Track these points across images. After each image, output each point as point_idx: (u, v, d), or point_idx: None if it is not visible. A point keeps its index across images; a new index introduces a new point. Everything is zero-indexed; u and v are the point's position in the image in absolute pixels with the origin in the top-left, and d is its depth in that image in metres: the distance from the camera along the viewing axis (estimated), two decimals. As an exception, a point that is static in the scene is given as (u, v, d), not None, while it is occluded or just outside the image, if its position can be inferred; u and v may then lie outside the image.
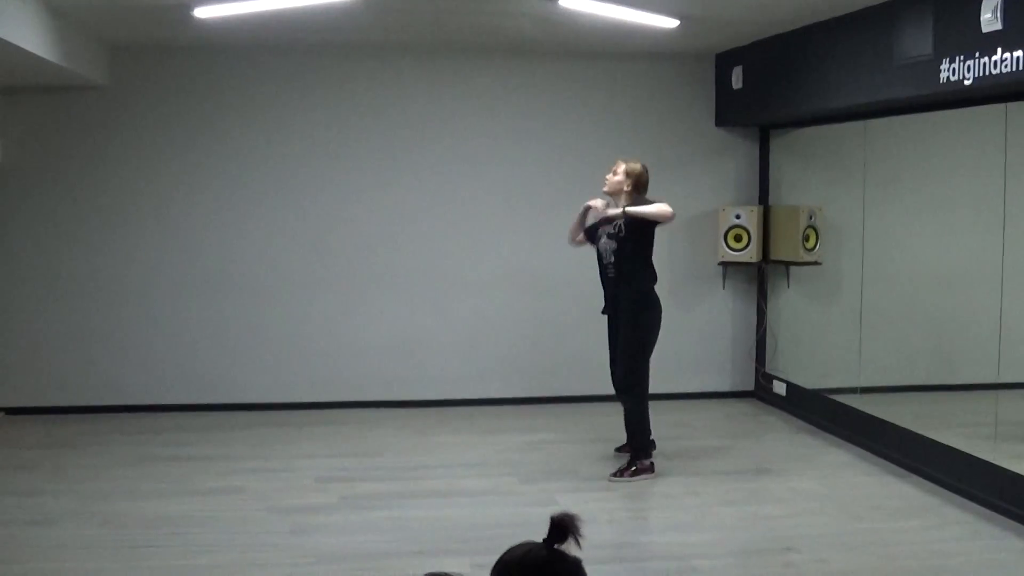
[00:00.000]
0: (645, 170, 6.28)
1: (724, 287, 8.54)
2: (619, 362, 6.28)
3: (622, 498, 5.93)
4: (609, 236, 6.24)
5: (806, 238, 7.93)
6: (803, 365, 8.16)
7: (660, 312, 6.26)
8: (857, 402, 7.18)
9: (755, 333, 8.59)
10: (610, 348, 6.41)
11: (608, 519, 5.56)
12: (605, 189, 6.31)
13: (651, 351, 6.28)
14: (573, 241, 6.54)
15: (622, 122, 8.31)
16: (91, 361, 7.94)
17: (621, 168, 6.27)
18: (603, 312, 6.39)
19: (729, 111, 8.26)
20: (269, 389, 8.10)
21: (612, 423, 7.59)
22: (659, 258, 8.14)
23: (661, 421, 7.43)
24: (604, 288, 6.35)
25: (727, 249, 8.28)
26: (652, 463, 6.31)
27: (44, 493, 5.91)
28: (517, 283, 8.29)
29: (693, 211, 8.41)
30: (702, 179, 8.45)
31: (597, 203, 6.28)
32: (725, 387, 8.62)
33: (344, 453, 6.85)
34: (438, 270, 8.22)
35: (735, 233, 8.24)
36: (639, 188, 6.25)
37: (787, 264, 8.18)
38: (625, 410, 6.35)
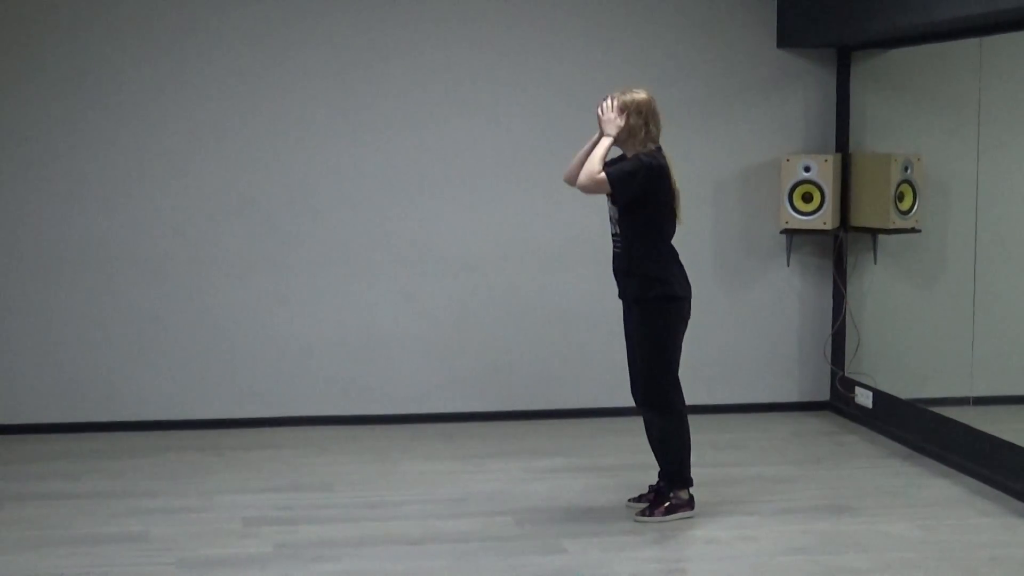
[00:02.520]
0: (652, 99, 6.17)
1: (789, 263, 8.53)
2: (638, 372, 6.28)
3: (652, 545, 5.90)
4: (611, 197, 6.21)
5: (900, 197, 7.91)
6: (895, 367, 8.15)
7: (683, 304, 6.19)
8: (969, 416, 7.17)
9: (831, 325, 8.59)
10: (627, 347, 6.38)
11: (632, 572, 5.52)
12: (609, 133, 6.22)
13: (677, 354, 6.26)
14: (579, 179, 6.22)
15: (652, 46, 8.30)
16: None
17: (616, 94, 6.16)
18: (619, 296, 6.37)
19: (796, 27, 8.23)
20: (180, 402, 8.07)
21: (638, 444, 7.54)
22: (702, 225, 8.29)
23: (704, 441, 7.41)
24: (613, 264, 6.35)
25: (793, 212, 8.27)
26: (692, 498, 6.29)
27: None
28: (512, 262, 8.29)
29: (747, 162, 8.41)
30: (759, 119, 8.45)
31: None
32: (791, 397, 8.63)
33: (281, 487, 6.81)
34: (407, 245, 8.19)
35: (803, 191, 8.23)
36: (649, 125, 6.12)
37: (874, 232, 8.18)
38: (653, 431, 6.34)
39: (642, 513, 6.20)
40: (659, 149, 6.13)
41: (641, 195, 6.04)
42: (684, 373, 8.30)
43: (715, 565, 5.65)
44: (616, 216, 6.17)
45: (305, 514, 6.31)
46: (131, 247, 7.95)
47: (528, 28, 8.23)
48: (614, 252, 6.28)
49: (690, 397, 8.23)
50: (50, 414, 7.95)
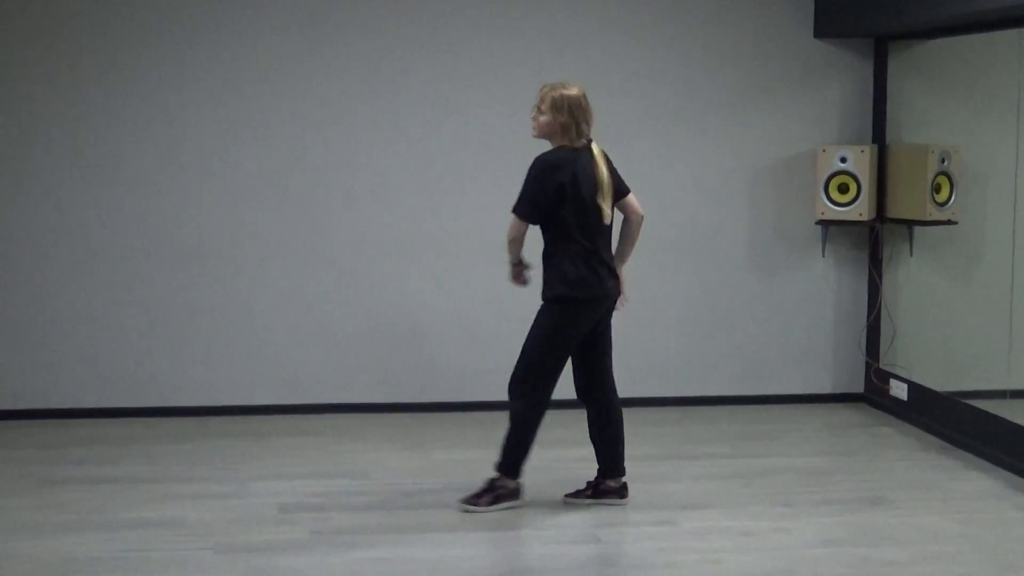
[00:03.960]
0: (583, 95, 6.14)
1: (824, 254, 8.50)
2: (519, 357, 6.30)
3: (687, 536, 5.89)
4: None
5: (936, 189, 7.89)
6: (931, 359, 8.13)
7: (577, 307, 6.13)
8: (1005, 410, 7.13)
9: (866, 316, 8.56)
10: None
11: (667, 563, 5.51)
12: (535, 135, 6.23)
13: (560, 356, 6.25)
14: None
15: (688, 37, 8.29)
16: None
17: (540, 93, 6.14)
18: None
19: (833, 16, 8.20)
20: (217, 388, 8.10)
21: (676, 432, 7.56)
22: (737, 215, 8.27)
23: (738, 432, 7.41)
24: None
25: (828, 203, 8.24)
26: (519, 487, 6.28)
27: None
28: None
29: (783, 152, 8.40)
30: (794, 109, 8.43)
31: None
32: (825, 388, 8.61)
33: (318, 473, 6.83)
34: (444, 232, 8.20)
35: (839, 182, 8.21)
36: (580, 122, 6.10)
37: (910, 224, 8.15)
38: (511, 414, 6.33)
39: (466, 500, 6.22)
40: (588, 143, 6.16)
41: (545, 201, 6.04)
42: (719, 363, 8.36)
43: (750, 557, 5.63)
44: None
45: (341, 501, 6.33)
46: (169, 234, 7.97)
47: (563, 18, 8.20)
48: None
49: (724, 388, 8.29)
50: (89, 399, 7.98)
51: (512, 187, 7.72)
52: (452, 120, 8.15)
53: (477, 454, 7.22)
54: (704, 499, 6.40)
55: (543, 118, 6.10)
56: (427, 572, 5.35)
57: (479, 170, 8.19)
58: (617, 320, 8.25)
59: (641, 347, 8.17)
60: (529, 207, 6.08)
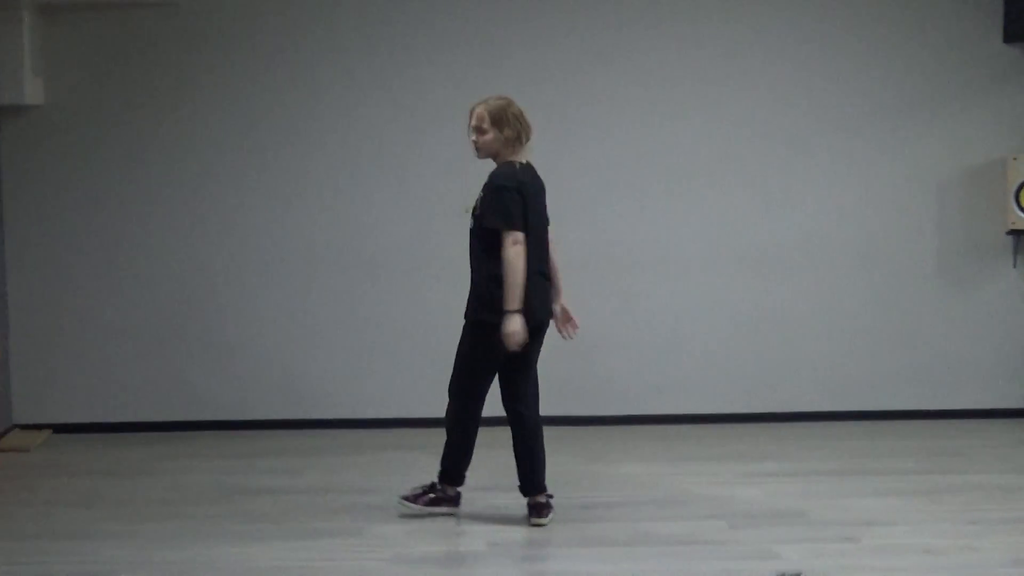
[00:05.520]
0: (511, 103, 6.03)
1: (1015, 265, 8.32)
2: (453, 374, 6.28)
3: (868, 552, 5.78)
4: (473, 211, 6.13)
5: None
6: None
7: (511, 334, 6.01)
8: None
9: (1060, 328, 8.38)
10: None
11: (849, 581, 5.43)
12: (480, 156, 6.12)
13: (486, 376, 6.23)
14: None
15: (874, 44, 8.22)
16: (160, 366, 8.18)
17: (477, 111, 6.01)
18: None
19: (1024, 20, 8.01)
20: (395, 400, 8.23)
21: (860, 447, 7.45)
22: (923, 225, 8.12)
23: (925, 447, 7.29)
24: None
25: (1020, 213, 8.15)
26: (459, 495, 6.32)
27: (100, 536, 6.04)
28: (724, 264, 8.29)
29: (971, 161, 8.27)
30: (983, 116, 8.31)
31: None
32: (1016, 403, 8.44)
33: (494, 485, 6.86)
34: (624, 247, 8.25)
35: (1032, 191, 8.13)
36: (521, 135, 6.02)
37: (1106, 233, 8.00)
38: (447, 415, 6.34)
39: (405, 496, 6.25)
40: (526, 162, 6.12)
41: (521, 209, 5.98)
42: (904, 377, 8.19)
43: (933, 575, 5.51)
44: (472, 227, 6.12)
45: (518, 513, 6.34)
46: (351, 249, 8.12)
47: (746, 29, 8.17)
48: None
49: (910, 402, 8.14)
50: (273, 410, 8.17)
51: (695, 204, 7.67)
52: (634, 134, 8.18)
53: (655, 467, 7.23)
54: (888, 515, 6.28)
55: (486, 136, 5.99)
56: (602, 586, 5.35)
57: (661, 185, 8.23)
58: (801, 333, 8.23)
59: (827, 360, 8.08)
60: (520, 220, 5.96)
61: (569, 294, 8.14)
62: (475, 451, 6.42)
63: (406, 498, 6.28)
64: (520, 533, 6.04)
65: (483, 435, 6.43)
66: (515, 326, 5.94)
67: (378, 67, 8.05)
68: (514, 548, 5.83)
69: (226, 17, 8.02)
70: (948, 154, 8.24)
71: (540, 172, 8.06)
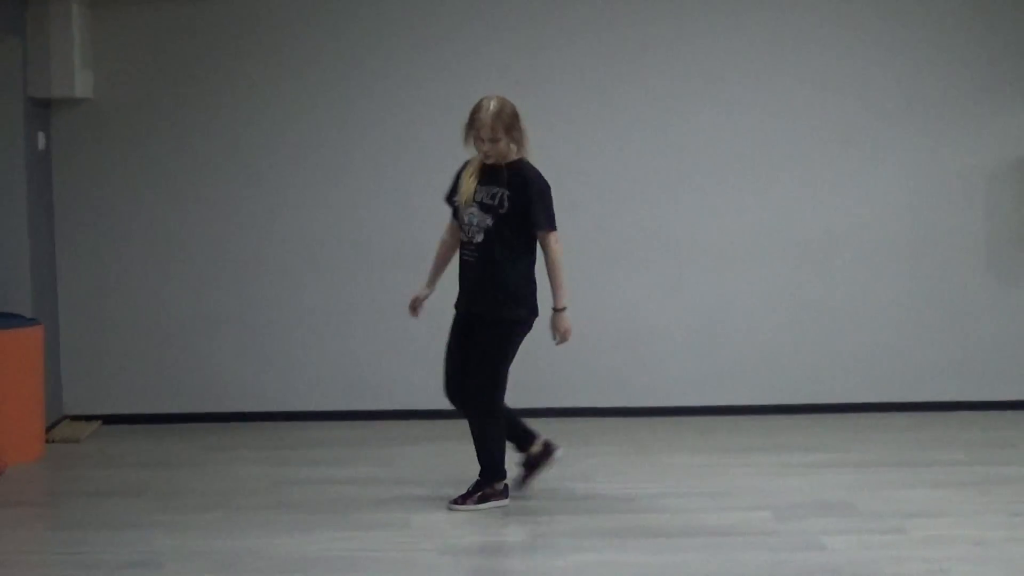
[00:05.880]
0: (511, 105, 6.13)
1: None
2: (473, 373, 6.27)
3: (916, 544, 5.74)
4: (484, 207, 6.13)
5: None
6: None
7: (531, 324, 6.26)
8: None
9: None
10: (451, 351, 6.42)
11: (894, 573, 5.38)
12: (489, 161, 6.15)
13: (508, 369, 6.31)
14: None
15: (922, 31, 8.16)
16: (210, 357, 8.25)
17: (487, 122, 6.04)
18: (456, 306, 6.41)
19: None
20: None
21: (907, 438, 7.42)
22: (973, 216, 8.08)
23: (974, 439, 7.25)
24: (460, 274, 6.33)
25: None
26: (506, 486, 6.33)
27: (148, 526, 6.08)
28: (773, 255, 8.26)
29: (1020, 152, 8.22)
30: (1035, 106, 8.22)
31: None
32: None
33: (542, 477, 6.79)
34: (671, 238, 8.23)
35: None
36: (523, 132, 6.15)
37: None
38: (472, 425, 6.37)
39: (455, 501, 6.25)
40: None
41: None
42: (953, 368, 8.16)
43: (982, 568, 5.44)
44: (489, 224, 6.15)
45: (565, 504, 6.35)
46: (397, 239, 8.14)
47: (797, 19, 8.16)
48: (465, 262, 6.29)
49: (958, 393, 8.11)
50: (323, 401, 8.22)
51: (743, 193, 7.64)
52: (687, 125, 8.19)
53: (701, 458, 7.22)
54: (936, 507, 6.24)
55: (499, 144, 6.08)
56: (650, 576, 5.36)
57: (709, 176, 8.21)
58: (849, 324, 8.19)
59: (872, 352, 8.06)
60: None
61: (616, 285, 8.19)
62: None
63: (456, 502, 6.30)
64: (566, 524, 6.03)
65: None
66: (569, 322, 6.20)
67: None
68: (561, 539, 5.81)
69: (275, 7, 8.05)
70: (998, 145, 8.17)
71: (589, 162, 8.14)
